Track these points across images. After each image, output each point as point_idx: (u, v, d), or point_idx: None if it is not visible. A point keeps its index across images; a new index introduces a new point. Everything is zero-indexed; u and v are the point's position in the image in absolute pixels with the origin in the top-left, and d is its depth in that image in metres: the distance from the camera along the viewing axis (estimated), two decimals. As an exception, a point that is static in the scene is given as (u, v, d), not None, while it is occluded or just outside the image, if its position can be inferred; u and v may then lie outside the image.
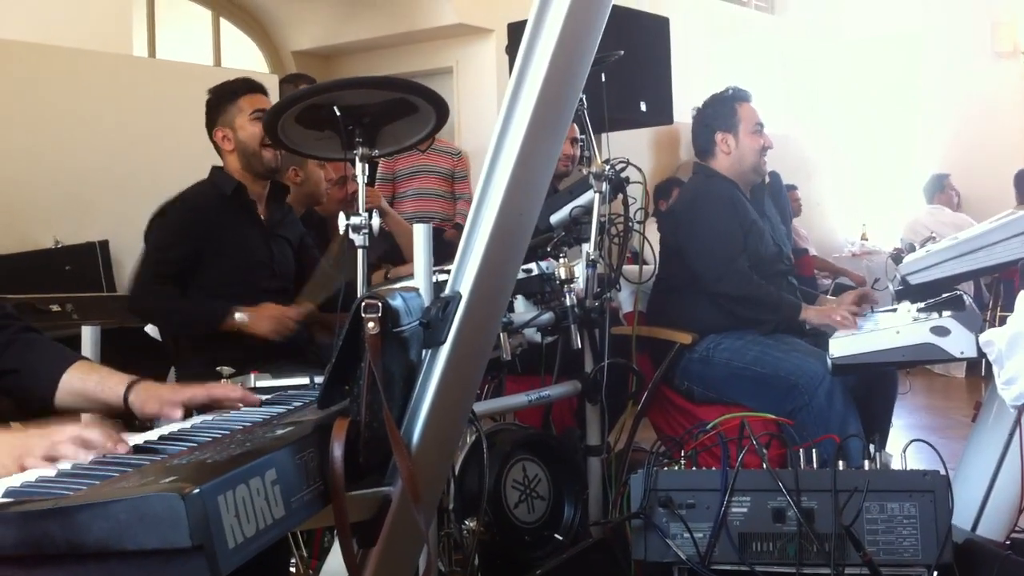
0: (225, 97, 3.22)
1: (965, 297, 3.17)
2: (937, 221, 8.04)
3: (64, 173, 5.11)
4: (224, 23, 7.76)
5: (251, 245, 3.21)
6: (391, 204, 6.04)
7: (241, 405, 1.75)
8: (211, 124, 3.25)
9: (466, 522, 2.49)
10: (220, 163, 3.29)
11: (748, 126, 3.73)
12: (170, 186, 3.30)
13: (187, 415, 1.75)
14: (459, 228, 5.44)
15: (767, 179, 3.87)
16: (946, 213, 8.48)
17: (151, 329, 3.37)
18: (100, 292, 4.92)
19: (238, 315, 3.04)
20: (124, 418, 1.85)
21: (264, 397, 1.81)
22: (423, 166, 6.06)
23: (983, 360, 2.74)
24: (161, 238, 3.15)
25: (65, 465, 1.27)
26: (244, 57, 7.83)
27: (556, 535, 2.91)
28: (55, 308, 4.04)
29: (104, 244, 5.10)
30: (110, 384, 1.82)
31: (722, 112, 3.78)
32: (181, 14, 7.56)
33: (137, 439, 1.41)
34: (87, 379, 1.85)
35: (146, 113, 5.39)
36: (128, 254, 5.16)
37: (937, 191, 8.76)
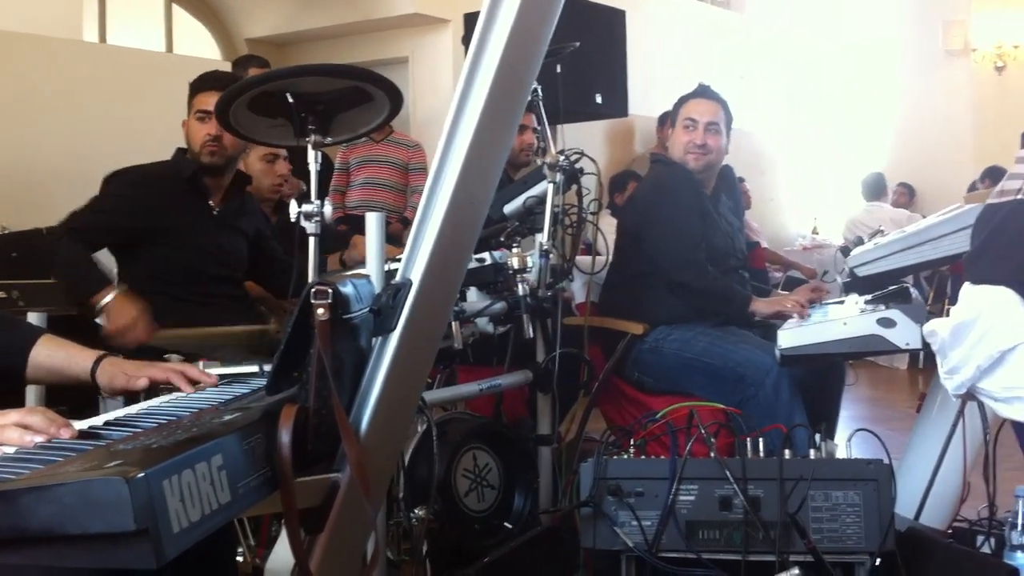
0: (191, 89, 3.26)
1: (911, 289, 3.22)
2: (875, 218, 8.17)
3: (11, 159, 5.04)
4: (176, 9, 7.66)
5: (198, 232, 3.22)
6: (344, 193, 6.02)
7: (202, 384, 1.78)
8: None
9: (416, 511, 2.49)
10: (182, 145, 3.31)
11: (681, 120, 3.71)
12: (120, 172, 3.28)
13: (152, 392, 1.78)
14: (405, 222, 5.41)
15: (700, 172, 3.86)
16: (885, 210, 8.64)
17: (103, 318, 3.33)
18: (47, 279, 4.85)
19: (105, 298, 2.91)
20: (81, 394, 1.89)
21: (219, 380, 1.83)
22: (375, 156, 6.02)
23: (923, 352, 2.79)
24: (106, 204, 3.20)
25: (8, 450, 1.26)
26: (197, 44, 7.72)
27: (506, 524, 2.92)
28: (1, 295, 3.98)
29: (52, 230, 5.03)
30: (78, 360, 1.90)
31: (674, 108, 3.81)
32: (133, -1, 7.46)
33: (82, 425, 1.41)
34: (55, 355, 1.92)
35: (97, 99, 5.32)
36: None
37: (885, 187, 8.93)
